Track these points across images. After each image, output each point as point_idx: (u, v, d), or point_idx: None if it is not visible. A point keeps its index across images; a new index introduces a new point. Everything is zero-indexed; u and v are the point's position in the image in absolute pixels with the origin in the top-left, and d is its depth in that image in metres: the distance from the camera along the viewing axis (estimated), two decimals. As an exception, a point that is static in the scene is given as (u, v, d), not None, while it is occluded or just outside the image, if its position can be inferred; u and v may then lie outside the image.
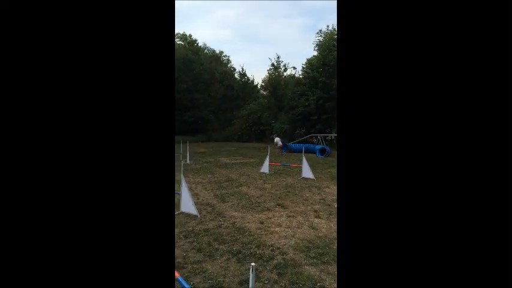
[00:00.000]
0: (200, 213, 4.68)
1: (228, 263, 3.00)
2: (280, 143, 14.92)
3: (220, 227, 4.16)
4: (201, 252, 3.29)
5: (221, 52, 38.81)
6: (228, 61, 38.24)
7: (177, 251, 3.32)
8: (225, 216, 4.65)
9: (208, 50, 37.29)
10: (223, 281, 2.65)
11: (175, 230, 3.99)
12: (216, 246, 3.44)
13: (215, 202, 5.55)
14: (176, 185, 6.71)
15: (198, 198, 5.66)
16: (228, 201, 5.58)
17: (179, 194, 4.99)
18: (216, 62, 34.38)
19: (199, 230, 4.00)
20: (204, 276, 2.74)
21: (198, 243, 3.53)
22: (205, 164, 11.07)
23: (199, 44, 35.03)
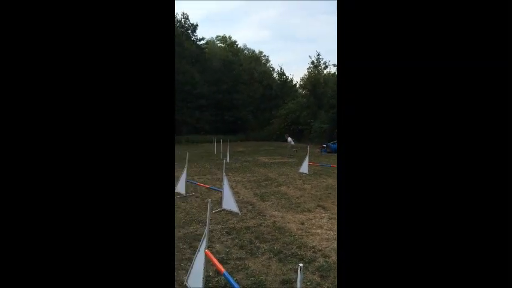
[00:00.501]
0: (241, 211, 4.78)
1: (269, 262, 3.03)
2: (292, 143, 14.93)
3: (260, 225, 4.21)
4: (243, 249, 3.37)
5: (260, 52, 39.14)
6: (267, 61, 38.42)
7: (220, 247, 3.44)
8: (265, 215, 4.69)
9: (248, 50, 37.85)
10: (265, 279, 2.68)
11: (218, 226, 4.14)
12: (258, 245, 3.49)
13: (255, 201, 5.62)
14: (218, 183, 6.95)
15: (238, 196, 5.79)
16: (267, 201, 5.62)
17: (221, 191, 5.16)
18: (255, 62, 34.76)
19: (241, 228, 4.09)
20: (247, 273, 2.80)
21: (240, 240, 3.61)
22: (244, 163, 11.27)
23: (239, 45, 35.73)
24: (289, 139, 15.15)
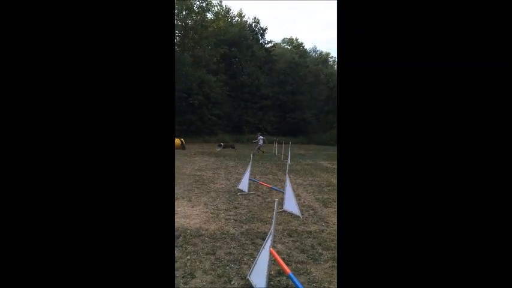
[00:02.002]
0: (302, 215, 4.71)
1: (333, 271, 2.91)
2: (261, 142, 14.68)
3: (323, 232, 4.08)
4: (304, 253, 3.31)
5: (327, 54, 38.00)
6: (334, 62, 37.04)
7: (281, 247, 3.45)
8: (327, 222, 4.53)
9: (315, 52, 37.14)
10: (328, 288, 2.59)
11: (279, 227, 4.16)
12: (320, 251, 3.39)
13: (317, 206, 5.48)
14: (279, 183, 6.99)
15: (299, 200, 5.72)
16: (330, 207, 5.41)
17: (282, 192, 5.17)
18: (322, 64, 33.91)
19: (302, 231, 4.03)
20: (309, 278, 2.74)
21: (301, 244, 3.56)
22: (305, 166, 11.09)
23: (305, 47, 35.36)
24: (260, 137, 15.04)
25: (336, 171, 10.15)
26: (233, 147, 16.63)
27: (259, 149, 14.91)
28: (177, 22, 23.80)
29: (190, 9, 23.56)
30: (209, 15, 25.88)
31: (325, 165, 11.64)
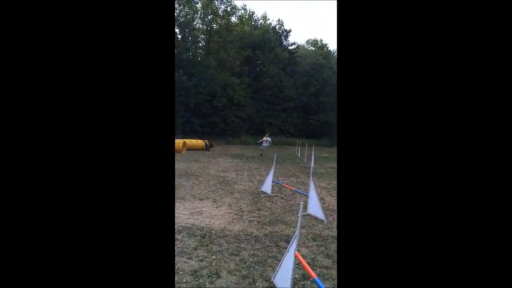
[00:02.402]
0: (326, 219, 4.64)
1: (359, 277, 2.84)
2: (267, 144, 14.00)
3: (348, 237, 3.99)
4: (329, 258, 3.26)
5: (353, 54, 37.08)
6: (360, 63, 36.09)
7: (306, 251, 3.42)
8: (353, 227, 4.43)
9: (339, 52, 36.37)
10: (354, 294, 2.53)
11: (303, 230, 4.13)
12: (345, 256, 3.32)
13: (341, 210, 5.37)
14: (302, 186, 6.92)
15: (323, 203, 5.64)
16: (355, 212, 5.28)
17: (306, 195, 5.12)
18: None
19: (327, 236, 3.97)
20: (334, 284, 2.70)
21: (326, 249, 3.51)
22: (329, 169, 10.89)
23: (329, 48, 34.77)
24: (267, 138, 14.45)
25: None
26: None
27: (261, 149, 14.59)
28: (203, 26, 24.41)
29: (215, 13, 24.08)
30: (233, 19, 26.28)
31: (350, 169, 11.34)
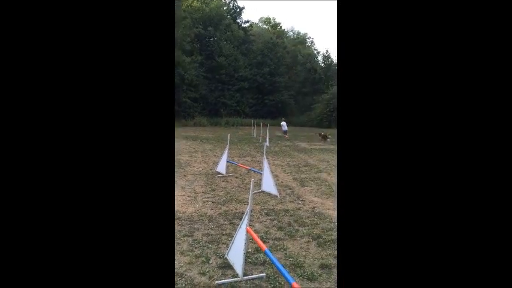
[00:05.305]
0: (280, 194, 4.80)
1: (308, 245, 3.02)
2: (285, 128, 15.46)
3: (299, 209, 4.19)
4: (281, 230, 3.40)
5: (305, 34, 37.76)
6: (312, 43, 37.00)
7: (259, 226, 3.51)
8: (304, 200, 4.66)
9: (293, 32, 36.73)
10: (303, 261, 2.69)
11: (257, 206, 4.22)
12: (296, 228, 3.49)
13: (294, 185, 5.60)
14: (257, 165, 7.04)
15: (277, 180, 5.81)
16: (307, 186, 5.56)
17: (261, 174, 5.22)
18: (300, 45, 33.70)
19: (279, 210, 4.12)
20: (285, 254, 2.82)
21: (279, 222, 3.65)
22: (283, 148, 11.23)
23: (283, 27, 34.83)
24: (283, 123, 15.62)
25: (313, 151, 10.37)
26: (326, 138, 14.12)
27: (285, 133, 15.17)
28: None
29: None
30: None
31: (303, 146, 11.86)
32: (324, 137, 13.95)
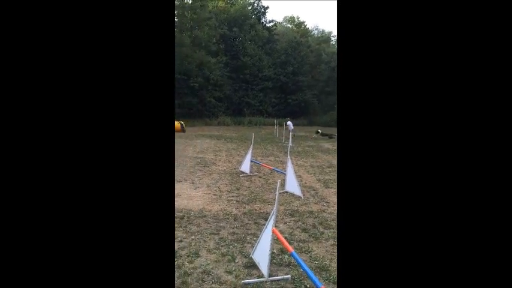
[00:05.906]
0: (304, 195, 4.77)
1: (333, 249, 2.98)
2: (292, 127, 15.05)
3: (324, 211, 4.15)
4: (306, 232, 3.39)
5: (330, 32, 37.03)
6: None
7: (283, 227, 3.52)
8: (328, 202, 4.60)
9: (317, 30, 36.17)
10: (329, 264, 2.66)
11: (281, 207, 4.22)
12: (321, 230, 3.46)
13: (318, 187, 5.53)
14: (280, 165, 7.03)
15: (301, 181, 5.78)
16: (331, 188, 5.47)
17: (284, 174, 5.21)
18: (324, 44, 33.10)
19: (304, 211, 4.10)
20: (310, 256, 2.81)
21: (303, 223, 3.63)
22: (306, 148, 11.11)
23: (307, 26, 34.39)
24: (289, 123, 15.23)
25: (336, 152, 10.16)
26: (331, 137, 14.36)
27: (293, 132, 15.36)
28: (175, 2, 22.99)
29: (188, -12, 22.73)
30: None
31: (326, 147, 11.66)
32: (325, 136, 13.94)
